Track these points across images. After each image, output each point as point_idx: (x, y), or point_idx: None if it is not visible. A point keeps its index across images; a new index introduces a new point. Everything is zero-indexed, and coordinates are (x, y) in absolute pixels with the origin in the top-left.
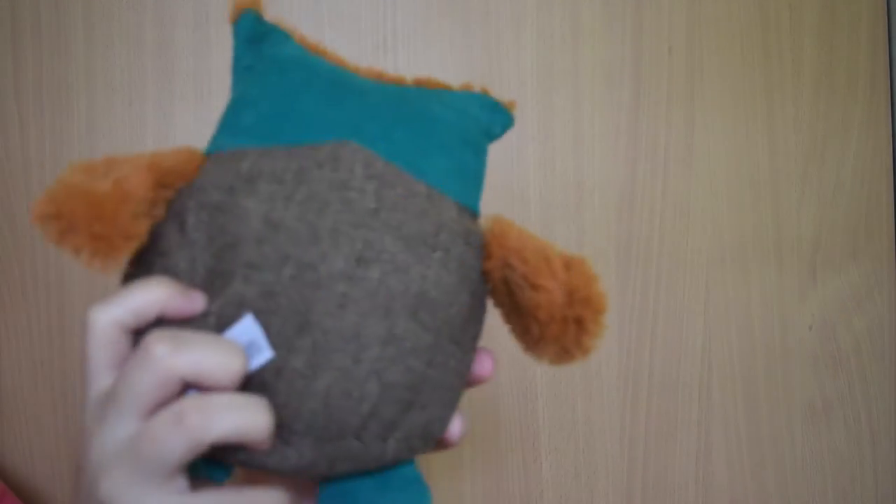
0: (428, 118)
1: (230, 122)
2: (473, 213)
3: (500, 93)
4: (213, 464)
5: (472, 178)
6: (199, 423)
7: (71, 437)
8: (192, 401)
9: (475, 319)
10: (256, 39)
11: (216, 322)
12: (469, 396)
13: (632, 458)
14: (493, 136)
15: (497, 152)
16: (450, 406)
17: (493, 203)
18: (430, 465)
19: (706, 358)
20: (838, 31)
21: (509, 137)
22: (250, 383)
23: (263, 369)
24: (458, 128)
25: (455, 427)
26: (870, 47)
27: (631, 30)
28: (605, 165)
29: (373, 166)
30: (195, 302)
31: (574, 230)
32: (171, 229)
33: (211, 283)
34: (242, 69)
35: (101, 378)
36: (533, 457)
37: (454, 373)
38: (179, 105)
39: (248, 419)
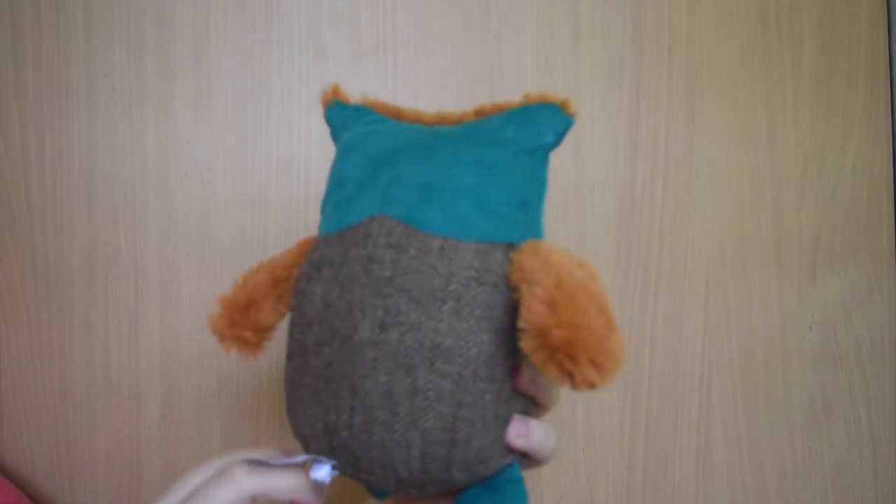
0: (446, 166)
1: (322, 210)
2: (510, 244)
3: (499, 93)
4: None
5: (507, 206)
6: None
7: (71, 437)
8: None
9: (506, 350)
10: (343, 125)
11: (307, 392)
12: None
13: (632, 458)
14: (541, 146)
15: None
16: (500, 429)
17: None
18: None
19: (706, 358)
20: (838, 31)
21: None
22: (341, 440)
23: (340, 428)
24: (481, 163)
25: (517, 435)
26: (870, 47)
27: (631, 30)
28: (605, 165)
29: (392, 235)
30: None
31: (574, 230)
32: (293, 311)
33: (298, 354)
34: (336, 153)
35: None
36: None
37: (491, 404)
38: (179, 105)
39: None
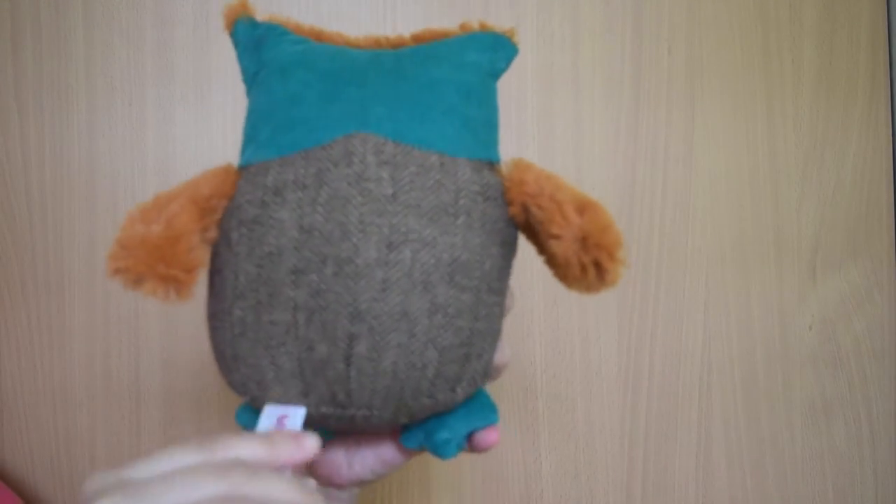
0: (427, 85)
1: (250, 137)
2: (491, 162)
3: (500, 93)
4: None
5: (483, 127)
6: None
7: (71, 436)
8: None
9: (508, 263)
10: (256, 44)
11: (276, 330)
12: None
13: (632, 458)
14: (497, 72)
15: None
16: (497, 342)
17: None
18: (431, 464)
19: (706, 358)
20: (838, 31)
21: (509, 138)
22: (326, 377)
23: (334, 360)
24: (459, 83)
25: (502, 357)
26: (870, 47)
27: (631, 30)
28: (605, 165)
29: (383, 152)
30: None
31: None
32: (222, 247)
33: (255, 290)
34: (251, 78)
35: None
36: (533, 457)
37: (498, 317)
38: (179, 105)
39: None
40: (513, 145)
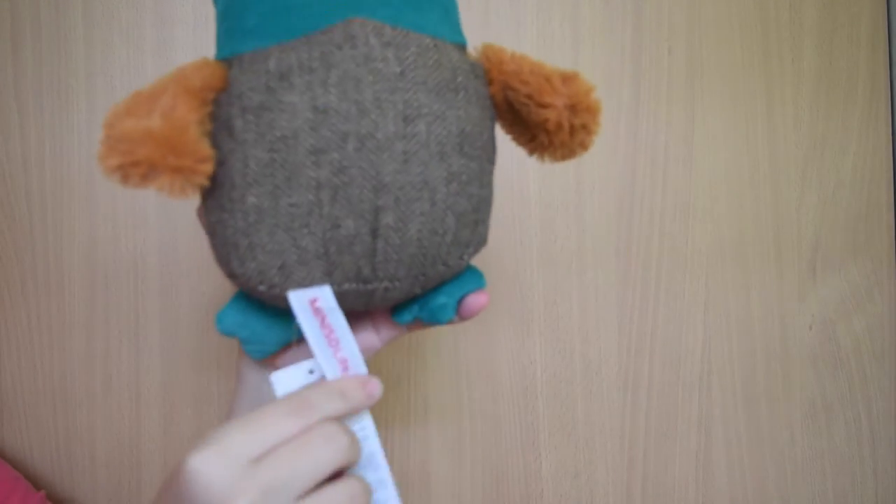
0: None
1: (233, 27)
2: (464, 46)
3: None
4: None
5: (454, 13)
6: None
7: (71, 436)
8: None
9: (494, 135)
10: None
11: (298, 211)
12: (469, 396)
13: (632, 458)
14: None
15: (498, 152)
16: (491, 209)
17: (494, 202)
18: (430, 464)
19: (706, 358)
20: (838, 31)
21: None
22: (353, 252)
23: (362, 234)
24: None
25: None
26: (870, 47)
27: (631, 30)
28: (605, 165)
29: (384, 34)
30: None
31: (574, 230)
32: (221, 138)
33: (270, 174)
34: None
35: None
36: (533, 457)
37: (492, 185)
38: None
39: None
40: (513, 145)
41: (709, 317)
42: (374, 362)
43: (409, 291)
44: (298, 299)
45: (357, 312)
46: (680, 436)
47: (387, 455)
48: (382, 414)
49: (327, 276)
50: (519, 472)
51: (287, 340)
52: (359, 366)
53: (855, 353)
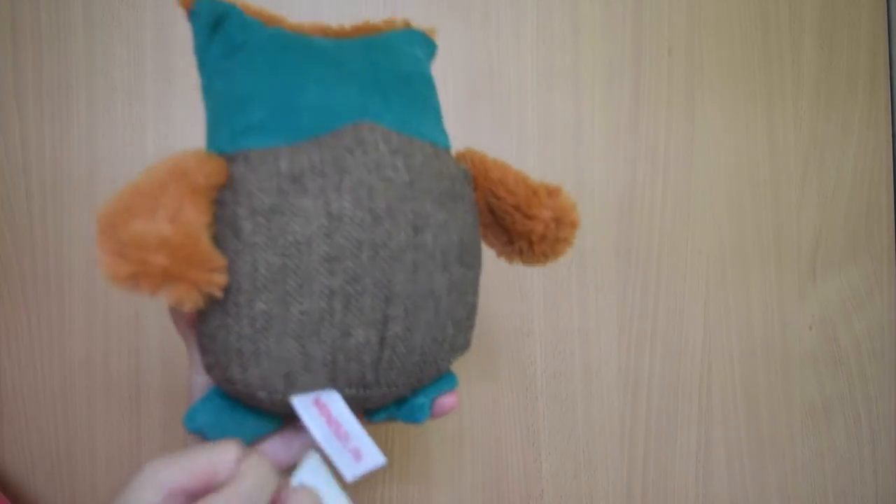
0: (404, 78)
1: (236, 119)
2: (449, 150)
3: (500, 93)
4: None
5: (441, 118)
6: None
7: (71, 436)
8: None
9: (480, 243)
10: (218, 23)
11: (310, 319)
12: (470, 396)
13: (632, 458)
14: (430, 68)
15: (498, 152)
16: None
17: None
18: (430, 464)
19: (706, 358)
20: (838, 31)
21: (509, 138)
22: (360, 361)
23: (368, 348)
24: (423, 77)
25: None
26: (870, 47)
27: (631, 30)
28: (605, 165)
29: (391, 141)
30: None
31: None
32: (225, 239)
33: (281, 280)
34: (217, 58)
35: None
36: (533, 457)
37: (479, 291)
38: (179, 105)
39: None
40: (513, 145)
41: (709, 317)
42: None
43: (401, 395)
44: (303, 402)
45: None
46: (680, 436)
47: (387, 455)
48: None
49: (331, 382)
50: (519, 472)
51: (251, 438)
52: (372, 453)
53: (855, 353)
